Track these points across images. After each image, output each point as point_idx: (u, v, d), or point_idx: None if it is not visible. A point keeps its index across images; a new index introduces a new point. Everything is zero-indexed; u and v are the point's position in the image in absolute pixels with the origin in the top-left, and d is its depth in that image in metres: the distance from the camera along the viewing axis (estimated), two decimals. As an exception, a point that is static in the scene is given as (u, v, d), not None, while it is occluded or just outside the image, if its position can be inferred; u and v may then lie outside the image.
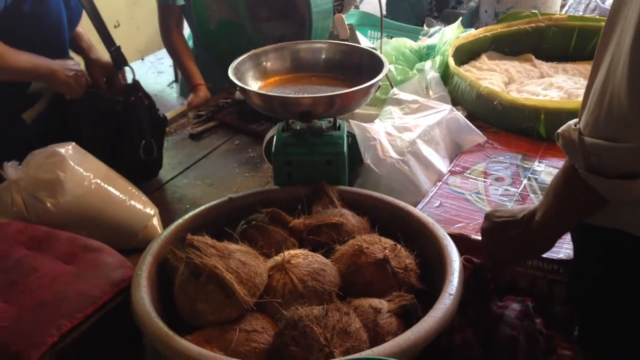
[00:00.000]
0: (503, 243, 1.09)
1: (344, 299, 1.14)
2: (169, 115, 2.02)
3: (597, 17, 2.44)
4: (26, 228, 1.30)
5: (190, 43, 2.38)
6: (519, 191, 1.51)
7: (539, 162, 1.63)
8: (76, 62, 1.76)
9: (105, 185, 1.47)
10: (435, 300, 1.07)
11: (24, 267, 1.18)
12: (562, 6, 3.01)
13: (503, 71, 2.12)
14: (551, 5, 2.79)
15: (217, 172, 1.84)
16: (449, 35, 2.19)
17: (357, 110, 1.74)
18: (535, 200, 1.46)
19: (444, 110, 1.72)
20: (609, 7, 0.91)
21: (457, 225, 1.37)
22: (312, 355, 0.98)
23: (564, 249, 1.21)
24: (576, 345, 1.15)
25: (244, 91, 1.48)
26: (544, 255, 1.17)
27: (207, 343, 1.03)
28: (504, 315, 1.15)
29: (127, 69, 1.83)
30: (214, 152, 1.95)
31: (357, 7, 3.14)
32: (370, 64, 1.51)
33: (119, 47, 1.78)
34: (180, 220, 1.31)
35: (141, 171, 1.73)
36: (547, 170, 1.58)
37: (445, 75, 2.03)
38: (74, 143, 1.49)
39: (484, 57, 2.21)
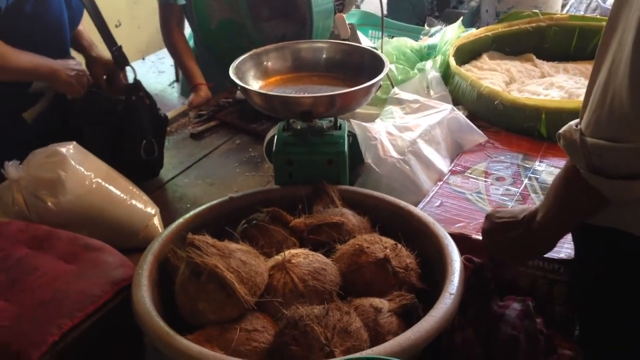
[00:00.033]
0: (504, 244, 1.09)
1: (345, 299, 1.14)
2: (170, 114, 2.02)
3: (598, 16, 2.44)
4: (27, 227, 1.30)
5: (191, 42, 2.38)
6: (519, 191, 1.51)
7: (540, 161, 1.63)
8: (78, 61, 1.76)
9: (106, 185, 1.47)
10: (435, 299, 1.07)
11: (24, 266, 1.18)
12: (563, 6, 3.01)
13: (504, 71, 2.12)
14: (552, 5, 2.79)
15: (218, 171, 1.85)
16: (450, 35, 2.19)
17: (358, 110, 1.74)
18: (536, 200, 1.46)
19: (445, 110, 1.72)
20: (610, 7, 0.91)
21: (458, 225, 1.37)
22: (313, 355, 0.98)
23: (564, 248, 1.21)
24: (576, 345, 1.15)
25: (245, 91, 1.48)
26: (544, 255, 1.17)
27: (207, 342, 1.03)
28: (505, 314, 1.15)
29: (128, 68, 1.83)
30: (215, 152, 1.95)
31: (358, 7, 3.14)
32: (371, 64, 1.51)
33: (120, 47, 1.78)
34: (181, 220, 1.31)
35: (142, 171, 1.74)
36: (548, 170, 1.58)
37: (446, 75, 2.03)
38: (75, 142, 1.49)
39: (485, 57, 2.21)
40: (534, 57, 2.22)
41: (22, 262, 1.19)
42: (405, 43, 2.21)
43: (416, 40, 2.29)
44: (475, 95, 1.88)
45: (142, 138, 1.70)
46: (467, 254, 1.21)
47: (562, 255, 1.21)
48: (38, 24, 1.66)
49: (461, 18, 2.38)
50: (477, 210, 1.43)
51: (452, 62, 2.01)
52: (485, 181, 1.56)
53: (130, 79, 1.80)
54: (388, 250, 1.18)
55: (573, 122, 0.91)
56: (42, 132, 1.69)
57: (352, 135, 1.53)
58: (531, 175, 1.57)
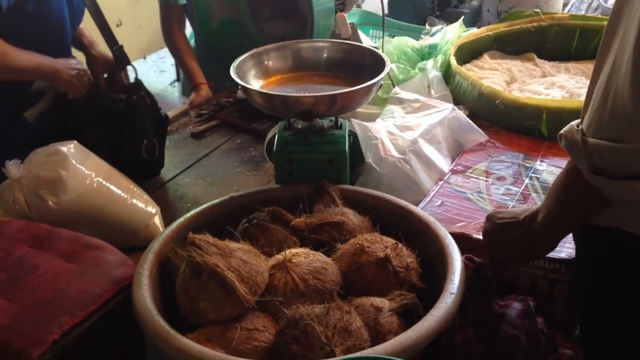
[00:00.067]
0: (505, 244, 1.09)
1: (345, 298, 1.14)
2: (170, 114, 2.02)
3: (600, 16, 2.44)
4: (28, 226, 1.30)
5: (192, 42, 2.38)
6: (520, 190, 1.51)
7: (541, 161, 1.63)
8: (79, 61, 1.76)
9: (107, 184, 1.47)
10: (436, 299, 1.07)
11: (25, 265, 1.18)
12: (565, 5, 3.01)
13: (505, 70, 2.12)
14: (553, 5, 2.79)
15: (219, 170, 1.85)
16: (451, 34, 2.19)
17: (358, 109, 1.74)
18: (537, 200, 1.46)
19: (446, 110, 1.72)
20: (612, 6, 0.91)
21: (459, 224, 1.37)
22: (313, 354, 0.98)
23: (565, 248, 1.21)
24: (577, 344, 1.15)
25: (245, 90, 1.48)
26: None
27: (208, 341, 1.03)
28: (505, 314, 1.15)
29: (129, 67, 1.83)
30: (216, 151, 1.95)
31: (359, 6, 3.14)
32: (372, 63, 1.51)
33: (121, 46, 1.78)
34: (181, 219, 1.31)
35: (143, 170, 1.74)
36: (548, 169, 1.58)
37: (447, 74, 2.03)
38: (76, 141, 1.49)
39: (485, 56, 2.20)
40: (535, 56, 2.22)
41: (23, 261, 1.19)
42: (406, 42, 2.21)
43: (417, 40, 2.29)
44: (476, 94, 1.88)
45: (143, 137, 1.70)
46: (468, 254, 1.21)
47: (563, 255, 1.21)
48: (39, 24, 1.66)
49: (462, 17, 2.38)
50: (477, 209, 1.43)
51: (453, 61, 2.00)
52: (486, 181, 1.56)
53: (132, 79, 1.80)
54: (389, 250, 1.18)
55: (574, 123, 0.91)
56: (43, 131, 1.69)
57: (353, 135, 1.53)
58: (532, 174, 1.57)
